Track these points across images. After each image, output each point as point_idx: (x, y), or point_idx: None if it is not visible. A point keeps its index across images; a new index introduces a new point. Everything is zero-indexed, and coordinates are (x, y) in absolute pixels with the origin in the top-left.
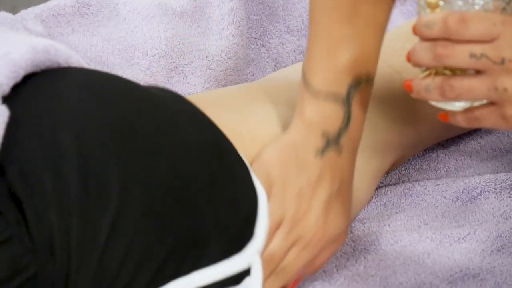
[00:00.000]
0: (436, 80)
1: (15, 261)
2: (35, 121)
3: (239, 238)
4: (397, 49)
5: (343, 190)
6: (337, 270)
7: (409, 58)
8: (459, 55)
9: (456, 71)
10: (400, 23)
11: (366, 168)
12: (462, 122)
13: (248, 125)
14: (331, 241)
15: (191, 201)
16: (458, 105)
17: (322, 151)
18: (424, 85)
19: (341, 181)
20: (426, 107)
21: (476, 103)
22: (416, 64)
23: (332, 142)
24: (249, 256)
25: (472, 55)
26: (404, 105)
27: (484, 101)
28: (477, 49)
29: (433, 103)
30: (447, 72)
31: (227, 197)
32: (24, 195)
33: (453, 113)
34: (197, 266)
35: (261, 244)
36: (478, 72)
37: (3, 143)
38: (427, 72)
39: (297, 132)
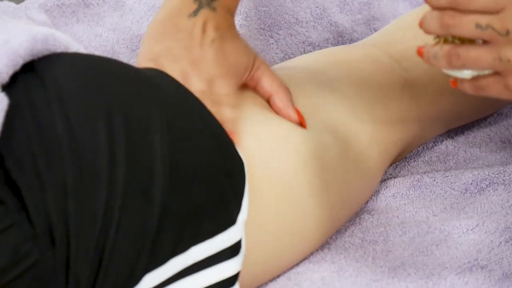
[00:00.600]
0: (444, 48)
1: (16, 249)
2: (33, 109)
3: (231, 211)
4: (397, 38)
5: (226, 36)
6: (346, 261)
7: (421, 24)
8: (465, 25)
9: (465, 41)
10: None
11: (377, 137)
12: (468, 89)
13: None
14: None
15: (185, 178)
16: (466, 73)
17: (195, 12)
18: (433, 52)
19: (218, 29)
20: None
21: (483, 73)
22: (426, 32)
23: (204, 4)
24: (240, 228)
25: (478, 26)
26: (404, 95)
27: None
28: (483, 20)
29: (444, 70)
30: (456, 41)
31: (218, 173)
32: (22, 183)
33: (462, 80)
34: (194, 241)
35: (246, 215)
36: (485, 42)
37: (2, 131)
38: (437, 40)
39: (171, 4)
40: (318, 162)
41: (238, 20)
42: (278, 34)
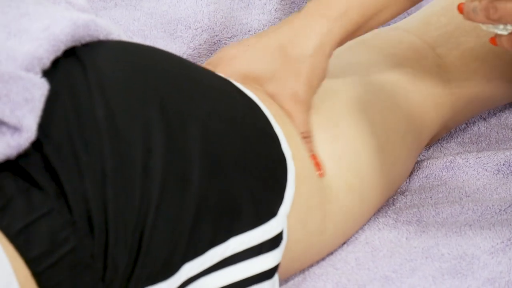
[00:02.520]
0: (483, 2)
1: (55, 235)
2: (72, 95)
3: (273, 203)
4: (431, 23)
5: None
6: (380, 242)
7: None
8: None
9: None
10: None
11: (402, 141)
12: (506, 44)
13: None
14: None
15: (224, 168)
16: (503, 28)
17: None
18: (472, 7)
19: None
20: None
21: None
22: None
23: None
24: (282, 220)
25: None
26: (437, 80)
27: None
28: None
29: (483, 26)
30: None
31: (260, 165)
32: (61, 169)
33: (500, 36)
34: (234, 232)
35: (289, 208)
36: None
37: (42, 117)
38: None
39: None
40: (359, 157)
41: (273, 3)
42: None
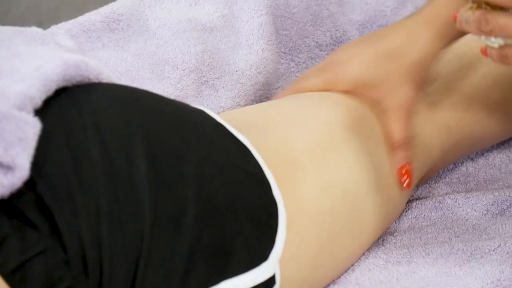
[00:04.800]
0: (475, 14)
1: (49, 274)
2: (66, 134)
3: (264, 247)
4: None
5: None
6: (370, 283)
7: None
8: None
9: (496, 9)
10: None
11: (394, 181)
12: (495, 57)
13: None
14: None
15: (217, 211)
16: (494, 42)
17: None
18: (465, 17)
19: None
20: None
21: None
22: None
23: None
24: (273, 264)
25: None
26: (426, 120)
27: None
28: None
29: (475, 37)
30: (488, 8)
31: (252, 209)
32: (55, 207)
33: (490, 48)
34: (226, 275)
35: (280, 252)
36: None
37: (35, 156)
38: (470, 5)
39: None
40: (355, 195)
41: (260, 44)
42: (299, 57)
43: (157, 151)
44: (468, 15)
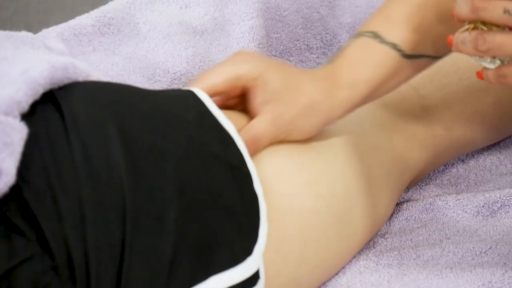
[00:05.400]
0: (472, 34)
1: (37, 280)
2: (50, 139)
3: (248, 242)
4: None
5: None
6: (361, 285)
7: (453, 14)
8: (494, 9)
9: (492, 27)
10: None
11: (386, 183)
12: (492, 78)
13: None
14: None
15: (200, 205)
16: (491, 63)
17: None
18: (462, 38)
19: None
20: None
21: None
22: (458, 18)
23: None
24: (257, 259)
25: (506, 11)
26: (420, 123)
27: None
28: (511, 6)
29: (471, 58)
30: (484, 28)
31: (234, 203)
32: (40, 213)
33: (486, 70)
34: (213, 271)
35: (263, 246)
36: (511, 30)
37: (21, 161)
38: (466, 27)
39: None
40: (344, 196)
41: (251, 47)
42: (290, 60)
43: (137, 149)
44: (465, 36)
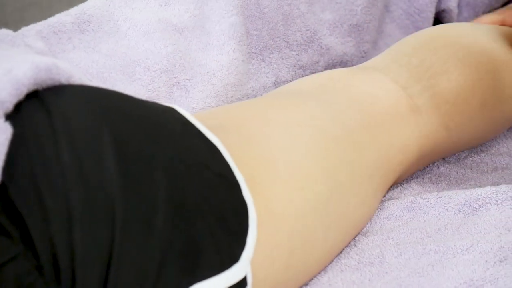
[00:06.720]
0: None
1: (21, 280)
2: (36, 138)
3: (235, 249)
4: (402, 64)
5: None
6: (343, 284)
7: None
8: None
9: None
10: (398, 36)
11: (368, 183)
12: None
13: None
14: None
15: (188, 213)
16: None
17: None
18: None
19: None
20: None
21: None
22: None
23: None
24: (244, 266)
25: None
26: (407, 122)
27: None
28: None
29: None
30: None
31: (222, 211)
32: (26, 213)
33: None
34: (198, 278)
35: (251, 253)
36: None
37: (6, 161)
38: None
39: None
40: (328, 198)
41: (231, 44)
42: (270, 57)
43: (127, 153)
44: None
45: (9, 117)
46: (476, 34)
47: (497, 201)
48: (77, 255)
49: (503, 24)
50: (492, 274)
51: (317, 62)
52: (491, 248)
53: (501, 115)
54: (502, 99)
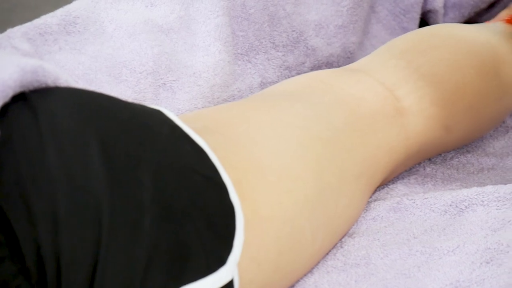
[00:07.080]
0: None
1: (7, 283)
2: (23, 140)
3: (222, 252)
4: (390, 66)
5: None
6: (329, 285)
7: None
8: None
9: None
10: (384, 37)
11: (355, 184)
12: None
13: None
14: None
15: (175, 216)
16: None
17: None
18: None
19: None
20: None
21: None
22: None
23: None
24: (231, 268)
25: None
26: (394, 124)
27: None
28: None
29: None
30: None
31: (209, 213)
32: (12, 215)
33: None
34: (185, 281)
35: (238, 256)
36: None
37: None
38: None
39: None
40: (315, 199)
41: (217, 45)
42: (256, 58)
43: (114, 155)
44: None
45: None
46: (467, 35)
47: (483, 202)
48: (63, 258)
49: None
50: (478, 276)
51: (303, 63)
52: (477, 249)
53: (489, 116)
54: (490, 101)
